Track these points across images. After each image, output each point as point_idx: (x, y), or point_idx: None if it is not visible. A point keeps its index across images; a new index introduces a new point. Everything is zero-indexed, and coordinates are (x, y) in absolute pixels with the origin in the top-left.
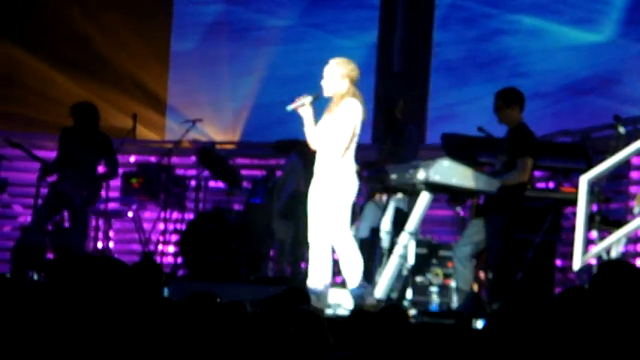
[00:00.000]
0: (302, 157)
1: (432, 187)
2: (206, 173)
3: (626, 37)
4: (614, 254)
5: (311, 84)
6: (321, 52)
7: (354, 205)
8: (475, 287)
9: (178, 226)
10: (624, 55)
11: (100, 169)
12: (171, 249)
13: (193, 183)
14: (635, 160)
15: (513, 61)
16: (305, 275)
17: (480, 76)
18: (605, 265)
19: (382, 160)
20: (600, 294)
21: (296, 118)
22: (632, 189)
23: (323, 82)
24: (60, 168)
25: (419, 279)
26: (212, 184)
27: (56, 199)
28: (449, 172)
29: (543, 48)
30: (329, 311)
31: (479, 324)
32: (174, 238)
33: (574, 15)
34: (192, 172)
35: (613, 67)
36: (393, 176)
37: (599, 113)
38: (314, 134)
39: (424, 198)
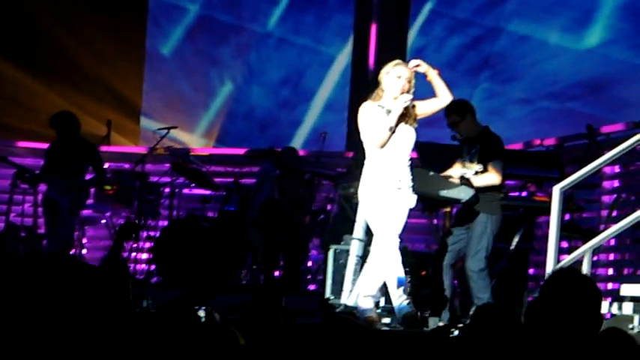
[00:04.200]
0: (276, 166)
1: None
2: (180, 180)
3: (612, 45)
4: (585, 263)
5: (290, 90)
6: (300, 58)
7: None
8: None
9: (152, 233)
10: (609, 62)
11: (87, 176)
12: (144, 256)
13: (167, 190)
14: (607, 170)
15: (496, 68)
16: (276, 282)
17: (463, 84)
18: (555, 273)
19: (354, 169)
20: (549, 301)
21: (275, 125)
22: (605, 198)
23: (408, 86)
24: (46, 177)
25: None
26: (186, 191)
27: (48, 207)
28: (423, 181)
29: (527, 55)
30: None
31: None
32: (147, 245)
33: (559, 22)
34: (167, 179)
35: (598, 74)
36: None
37: (583, 120)
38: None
39: None
